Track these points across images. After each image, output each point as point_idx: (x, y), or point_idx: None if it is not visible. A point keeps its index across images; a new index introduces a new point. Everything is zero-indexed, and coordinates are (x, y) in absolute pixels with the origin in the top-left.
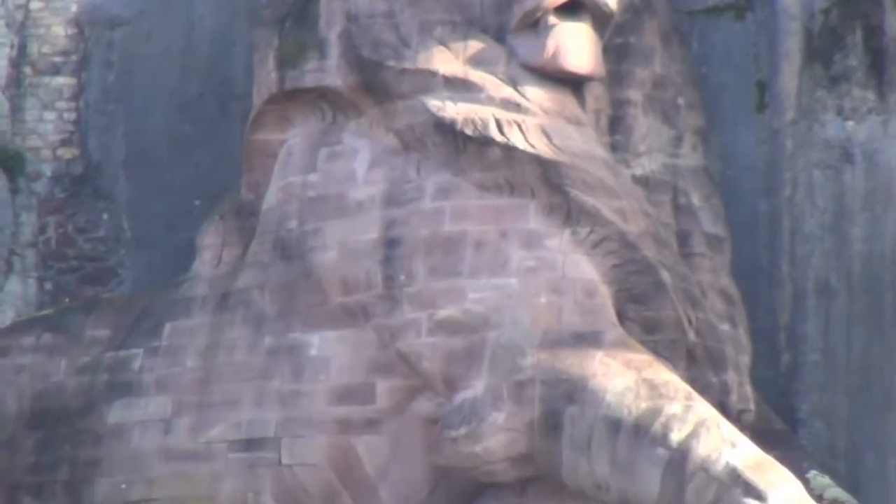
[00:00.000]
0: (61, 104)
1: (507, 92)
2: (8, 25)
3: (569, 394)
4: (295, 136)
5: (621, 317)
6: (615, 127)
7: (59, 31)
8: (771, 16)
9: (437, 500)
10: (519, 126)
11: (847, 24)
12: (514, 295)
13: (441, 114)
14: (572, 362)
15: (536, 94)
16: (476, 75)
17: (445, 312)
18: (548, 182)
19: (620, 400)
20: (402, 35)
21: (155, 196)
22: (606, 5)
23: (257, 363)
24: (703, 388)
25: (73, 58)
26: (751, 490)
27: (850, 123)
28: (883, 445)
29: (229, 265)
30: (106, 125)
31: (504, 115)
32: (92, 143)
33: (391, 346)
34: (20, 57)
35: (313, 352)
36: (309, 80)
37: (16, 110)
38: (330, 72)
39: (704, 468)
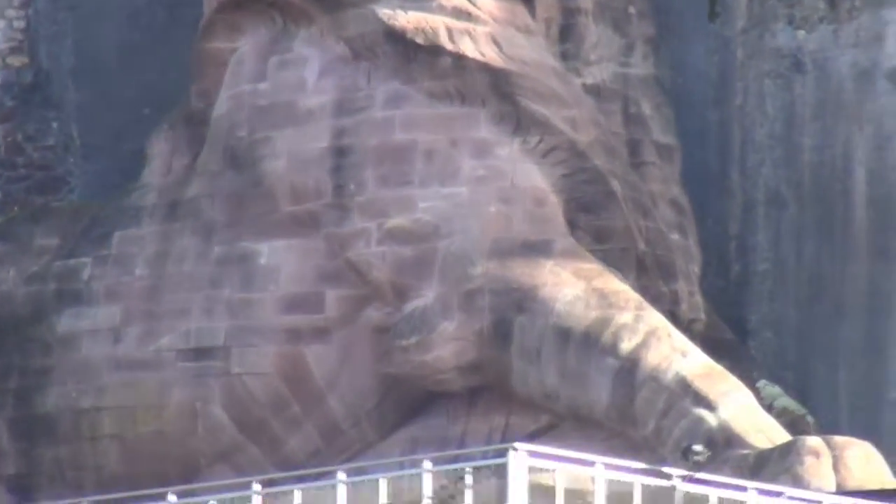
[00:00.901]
0: (11, 12)
1: (458, 1)
2: None
3: (518, 303)
4: (245, 45)
5: (571, 226)
6: (565, 36)
7: None
8: None
9: (386, 409)
10: (469, 35)
11: None
12: (464, 204)
13: (391, 22)
14: (522, 272)
15: (487, 3)
16: None
17: (395, 221)
18: (498, 91)
19: (570, 309)
20: None
21: (104, 105)
22: None
23: (207, 272)
24: (653, 298)
25: None
26: (700, 399)
27: (801, 32)
28: (832, 355)
29: (179, 174)
30: (55, 33)
31: (455, 24)
32: (41, 51)
33: (341, 255)
34: None
35: (263, 260)
36: None
37: None
38: None
39: (654, 377)
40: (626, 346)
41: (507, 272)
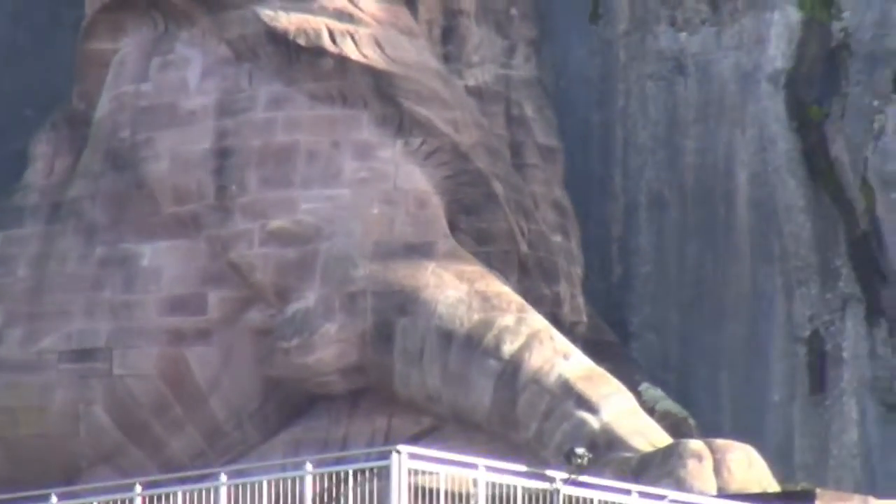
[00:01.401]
0: None
1: (340, 2)
2: None
3: (401, 305)
4: (127, 46)
5: (453, 228)
6: (448, 37)
7: None
8: None
9: (268, 411)
10: (352, 36)
11: None
12: (346, 206)
13: (274, 24)
14: (404, 274)
15: (369, 5)
16: None
17: (277, 223)
18: (380, 93)
19: (453, 311)
20: None
21: None
22: None
23: (88, 273)
24: (535, 300)
25: None
26: (583, 402)
27: (683, 35)
28: (714, 357)
29: (61, 175)
30: None
31: (337, 26)
32: None
33: (223, 257)
34: None
35: (145, 262)
36: None
37: None
38: None
39: (536, 380)
40: (508, 348)
41: (389, 274)
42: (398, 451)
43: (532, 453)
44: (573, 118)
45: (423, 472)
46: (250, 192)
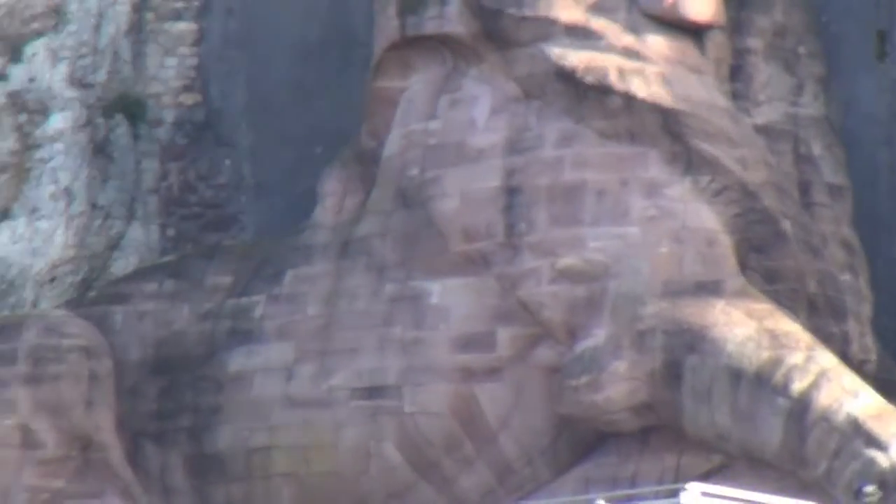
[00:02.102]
0: (183, 50)
1: (628, 40)
2: None
3: (690, 343)
4: (416, 84)
5: (742, 266)
6: (736, 75)
7: None
8: None
9: (560, 449)
10: (640, 74)
11: None
12: (635, 244)
13: (562, 62)
14: (693, 311)
15: (657, 43)
16: (597, 23)
17: (566, 261)
18: (668, 131)
19: (742, 350)
20: None
21: (276, 143)
22: None
23: (379, 311)
24: (824, 338)
25: (195, 3)
26: (872, 440)
27: None
28: None
29: (351, 213)
30: (227, 72)
31: (625, 64)
32: (213, 89)
33: (512, 294)
34: (142, 3)
35: (434, 300)
36: (430, 27)
37: (137, 56)
38: (451, 19)
39: (826, 418)
40: (798, 386)
41: (678, 312)
42: (688, 489)
43: (822, 492)
44: (861, 156)
45: None
46: (539, 231)
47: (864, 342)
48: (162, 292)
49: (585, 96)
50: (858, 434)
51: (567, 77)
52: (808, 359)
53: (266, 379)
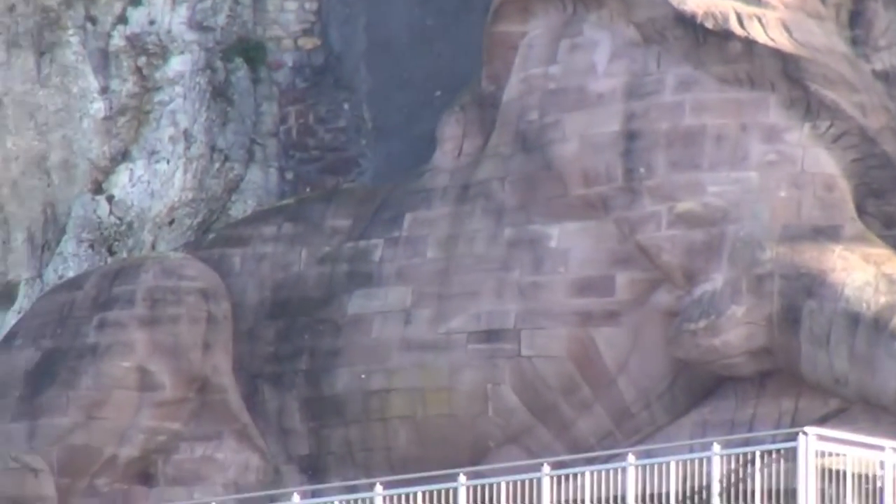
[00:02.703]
0: None
1: None
2: None
3: (808, 288)
4: (536, 28)
5: (861, 211)
6: (855, 21)
7: None
8: None
9: (677, 393)
10: (759, 20)
11: None
12: (753, 189)
13: (682, 7)
14: (811, 256)
15: None
16: None
17: (685, 205)
18: (788, 76)
19: (859, 294)
20: None
21: (396, 87)
22: None
23: (497, 255)
24: None
25: None
26: None
27: None
28: None
29: (469, 157)
30: (347, 16)
31: (744, 9)
32: (333, 33)
33: (631, 239)
34: None
35: (553, 243)
36: None
37: (257, 0)
38: None
39: None
40: None
41: (796, 257)
42: (805, 433)
43: None
44: None
45: (830, 454)
46: (658, 175)
47: None
48: (280, 235)
49: (705, 41)
50: None
51: (687, 22)
52: None
53: (384, 322)
